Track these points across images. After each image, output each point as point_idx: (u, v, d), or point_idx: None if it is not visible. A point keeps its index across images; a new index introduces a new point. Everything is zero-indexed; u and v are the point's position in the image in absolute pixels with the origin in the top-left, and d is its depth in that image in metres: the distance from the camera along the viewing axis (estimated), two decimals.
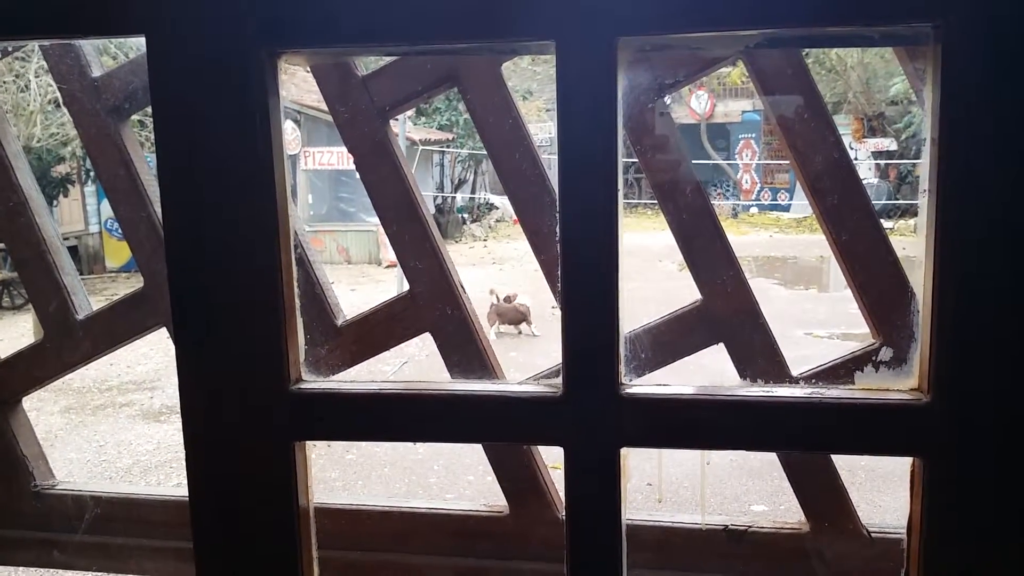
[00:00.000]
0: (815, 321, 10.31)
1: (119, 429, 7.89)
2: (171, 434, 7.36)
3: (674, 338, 1.46)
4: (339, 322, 1.55)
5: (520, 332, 10.61)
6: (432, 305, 1.50)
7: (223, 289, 0.91)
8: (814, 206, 1.40)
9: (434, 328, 1.52)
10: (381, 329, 1.55)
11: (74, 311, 1.72)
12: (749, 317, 1.43)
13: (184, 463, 0.94)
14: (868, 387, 0.88)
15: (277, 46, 0.89)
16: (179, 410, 0.95)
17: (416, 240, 1.49)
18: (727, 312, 1.44)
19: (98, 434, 7.80)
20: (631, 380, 0.90)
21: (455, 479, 6.35)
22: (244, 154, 0.89)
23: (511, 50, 1.06)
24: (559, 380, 0.89)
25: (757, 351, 1.43)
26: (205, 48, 0.88)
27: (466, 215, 21.79)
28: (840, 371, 1.37)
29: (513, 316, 10.59)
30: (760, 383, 1.42)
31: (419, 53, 1.36)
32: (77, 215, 16.58)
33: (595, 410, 0.88)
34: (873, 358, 1.33)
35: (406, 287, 1.67)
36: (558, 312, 0.89)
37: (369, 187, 1.50)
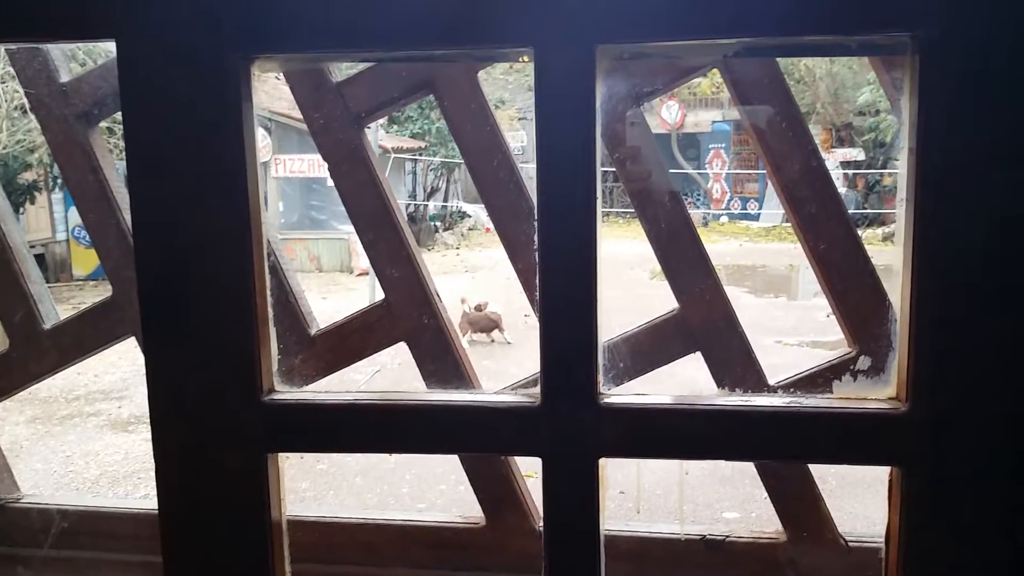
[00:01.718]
0: (785, 329, 10.37)
1: (87, 439, 7.77)
2: (139, 444, 7.25)
3: (652, 347, 1.46)
4: (313, 331, 1.53)
5: (492, 340, 10.62)
6: (408, 314, 1.48)
7: (194, 298, 0.89)
8: (791, 215, 1.40)
9: (409, 337, 1.50)
10: (356, 338, 1.53)
11: (41, 320, 1.68)
12: (726, 325, 1.43)
13: (153, 474, 0.92)
14: (846, 396, 0.88)
15: (250, 51, 0.88)
16: (148, 420, 0.93)
17: (391, 248, 1.47)
18: (704, 321, 1.44)
19: (65, 444, 7.68)
20: (609, 389, 0.89)
21: (427, 489, 6.32)
22: (216, 160, 0.88)
23: (488, 57, 1.05)
24: (536, 390, 0.88)
25: (734, 360, 1.43)
26: (177, 52, 0.86)
27: (438, 223, 21.75)
28: (818, 380, 1.37)
29: (485, 324, 10.59)
30: (738, 392, 1.42)
31: (395, 60, 1.35)
32: (44, 223, 16.35)
33: (573, 420, 0.87)
34: (851, 367, 1.33)
35: (378, 296, 1.65)
36: (531, 320, 0.88)
37: (343, 195, 1.48)
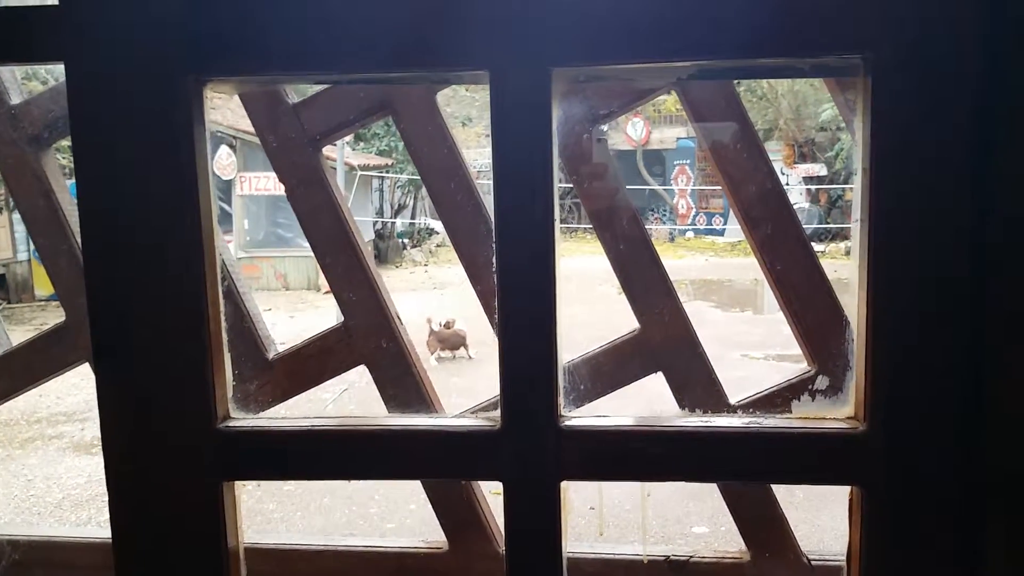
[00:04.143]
0: (751, 343, 10.44)
1: (49, 462, 7.63)
2: (102, 467, 7.09)
3: (613, 368, 1.45)
4: (270, 356, 1.50)
5: (455, 356, 10.64)
6: (367, 338, 1.46)
7: (146, 324, 0.88)
8: (748, 236, 1.41)
9: (369, 361, 1.48)
10: (314, 362, 1.51)
11: None
12: (687, 346, 1.43)
13: None
14: (805, 416, 0.88)
15: (204, 73, 0.87)
16: None
17: (350, 271, 1.46)
18: (665, 341, 1.44)
19: (26, 468, 7.53)
20: (570, 412, 0.88)
21: (396, 508, 6.26)
22: (168, 184, 0.86)
23: (444, 80, 1.05)
24: (497, 413, 0.87)
25: (695, 380, 1.43)
26: (128, 75, 0.85)
27: (406, 240, 21.69)
28: (777, 400, 1.37)
29: (454, 341, 10.60)
30: (699, 412, 1.42)
31: (351, 82, 1.34)
32: (5, 242, 16.07)
33: (534, 444, 0.87)
34: (809, 387, 1.34)
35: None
36: None
37: (301, 217, 1.47)
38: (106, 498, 0.91)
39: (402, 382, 1.47)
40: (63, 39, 0.86)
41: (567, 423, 0.87)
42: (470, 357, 10.58)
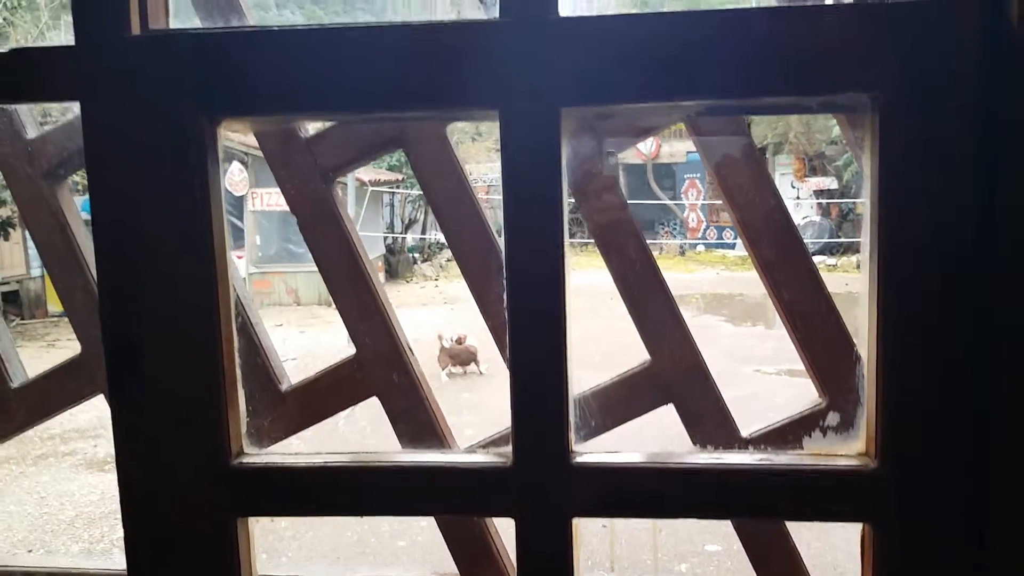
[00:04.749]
0: (762, 358, 10.39)
1: (61, 479, 7.65)
2: (115, 484, 7.08)
3: (623, 400, 1.45)
4: (283, 388, 1.51)
5: (466, 372, 10.63)
6: (379, 371, 1.47)
7: (161, 361, 0.89)
8: (755, 261, 1.41)
9: (381, 394, 1.48)
10: (327, 395, 1.51)
11: (8, 380, 1.65)
12: (698, 378, 1.43)
13: None
14: (816, 452, 0.88)
15: (217, 112, 0.88)
16: None
17: (362, 304, 1.46)
18: (676, 374, 1.43)
19: (39, 485, 7.56)
20: (581, 447, 0.89)
21: (408, 526, 6.25)
22: (182, 222, 0.87)
23: (455, 118, 1.06)
24: (508, 449, 0.88)
25: (707, 412, 1.42)
26: (142, 114, 0.86)
27: (417, 255, 21.73)
28: (788, 435, 1.36)
29: (465, 358, 10.59)
30: (710, 448, 1.41)
31: (362, 121, 1.35)
32: (19, 259, 16.16)
33: (546, 480, 0.87)
34: (820, 422, 1.33)
35: None
36: None
37: (313, 249, 1.47)
38: (118, 516, 0.92)
39: (414, 416, 1.47)
40: (79, 79, 0.87)
41: (578, 459, 0.87)
42: (481, 372, 10.57)
